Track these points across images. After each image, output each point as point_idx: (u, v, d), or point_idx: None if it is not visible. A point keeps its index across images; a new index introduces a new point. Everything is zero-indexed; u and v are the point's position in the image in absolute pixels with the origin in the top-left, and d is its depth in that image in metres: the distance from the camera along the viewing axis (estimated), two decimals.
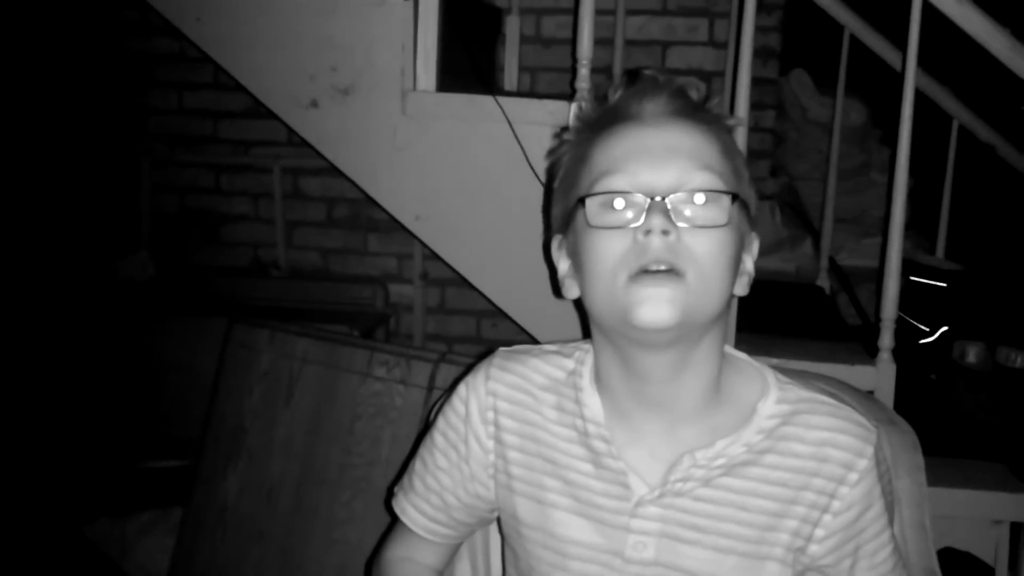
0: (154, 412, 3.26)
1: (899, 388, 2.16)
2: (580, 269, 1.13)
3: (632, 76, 1.18)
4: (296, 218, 3.86)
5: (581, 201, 1.10)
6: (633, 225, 1.06)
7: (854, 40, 3.08)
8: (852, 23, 3.06)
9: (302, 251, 3.87)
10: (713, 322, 1.11)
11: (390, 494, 1.38)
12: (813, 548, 1.12)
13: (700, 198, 1.06)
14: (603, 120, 1.15)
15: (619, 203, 1.07)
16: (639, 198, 1.06)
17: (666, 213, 1.04)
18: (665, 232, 1.04)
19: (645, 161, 1.08)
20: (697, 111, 1.14)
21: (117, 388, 3.37)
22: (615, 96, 1.16)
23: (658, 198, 1.05)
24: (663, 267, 1.04)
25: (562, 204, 1.19)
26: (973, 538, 2.19)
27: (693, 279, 1.05)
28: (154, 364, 3.33)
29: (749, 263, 1.17)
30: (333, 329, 2.42)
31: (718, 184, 1.08)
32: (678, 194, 1.06)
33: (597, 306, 1.11)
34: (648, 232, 1.04)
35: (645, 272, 1.04)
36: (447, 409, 1.29)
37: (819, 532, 1.12)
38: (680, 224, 1.05)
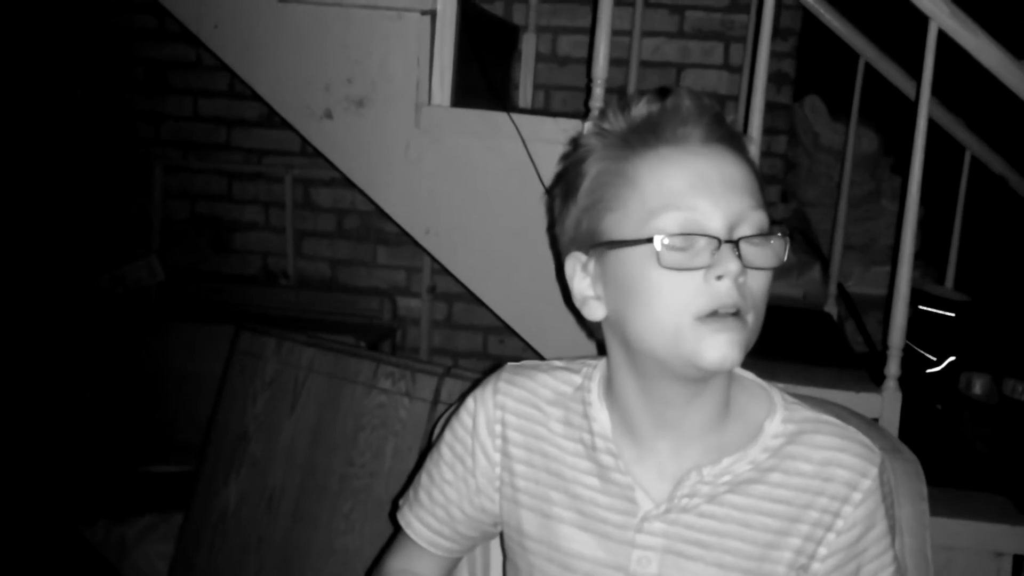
0: (157, 417, 3.27)
1: (904, 417, 2.15)
2: (628, 300, 1.10)
3: (664, 93, 1.13)
4: (306, 228, 3.87)
5: (647, 239, 1.05)
6: (705, 266, 1.04)
7: (868, 68, 3.08)
8: (867, 51, 3.06)
9: (311, 261, 3.88)
10: None
11: (393, 506, 1.38)
12: (816, 567, 1.12)
13: (768, 240, 1.06)
14: (641, 137, 1.10)
15: (685, 243, 1.04)
16: (713, 240, 1.04)
17: (740, 257, 1.03)
18: (731, 276, 1.03)
19: (709, 198, 1.05)
20: (735, 136, 1.13)
21: (121, 392, 3.38)
22: (645, 110, 1.12)
23: (730, 240, 1.04)
24: (732, 311, 1.04)
25: (591, 222, 1.14)
26: (975, 570, 2.18)
27: (751, 319, 1.05)
28: (159, 369, 3.33)
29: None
30: (340, 340, 2.42)
31: (767, 221, 1.08)
32: (748, 236, 1.05)
33: (649, 341, 1.08)
34: (720, 276, 1.03)
35: (715, 315, 1.03)
36: (454, 422, 1.29)
37: (822, 551, 1.11)
38: (746, 266, 1.04)
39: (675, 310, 1.05)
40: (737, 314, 1.04)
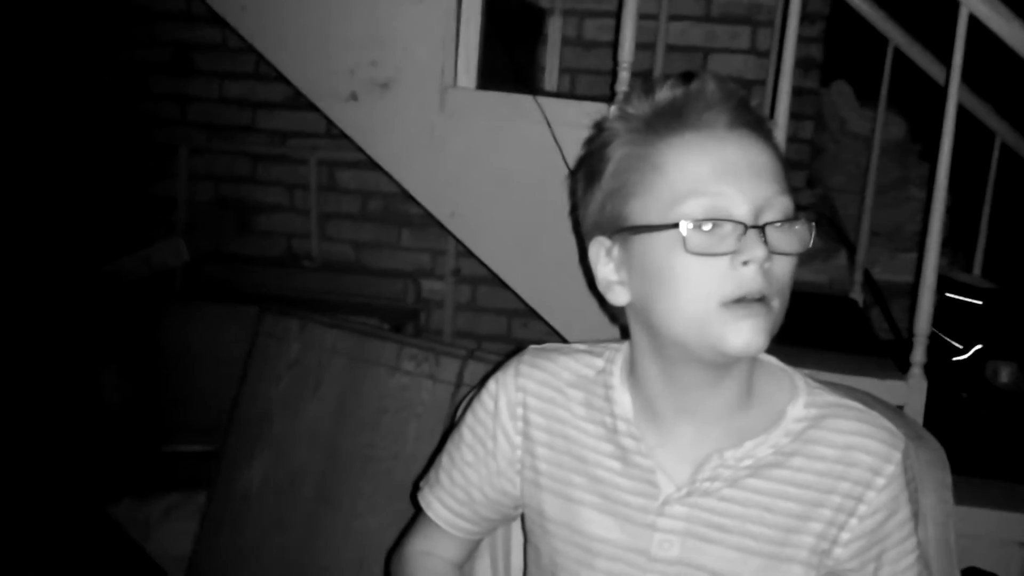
0: (182, 397, 3.28)
1: (929, 405, 2.14)
2: (654, 285, 1.10)
3: (688, 77, 1.12)
4: (330, 210, 3.87)
5: (673, 224, 1.05)
6: (731, 251, 1.04)
7: (897, 53, 3.06)
8: (896, 36, 3.03)
9: (335, 243, 3.89)
10: None
11: (414, 488, 1.38)
12: (838, 551, 1.12)
13: (794, 226, 1.06)
14: (666, 122, 1.10)
15: (711, 227, 1.04)
16: (738, 226, 1.04)
17: (765, 242, 1.03)
18: (757, 261, 1.03)
19: (735, 183, 1.05)
20: (761, 121, 1.12)
21: (146, 372, 3.40)
22: (669, 94, 1.11)
23: (757, 226, 1.04)
24: (758, 296, 1.04)
25: (615, 207, 1.14)
26: (999, 559, 2.17)
27: (776, 305, 1.06)
28: (183, 350, 3.35)
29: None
30: (363, 322, 2.42)
31: (792, 206, 1.08)
32: (777, 224, 1.05)
33: (674, 326, 1.08)
34: (746, 262, 1.03)
35: (742, 301, 1.04)
36: (476, 404, 1.29)
37: (844, 536, 1.12)
38: (771, 252, 1.04)
39: (701, 296, 1.05)
40: (763, 300, 1.04)
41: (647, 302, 1.11)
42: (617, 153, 1.13)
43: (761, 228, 1.03)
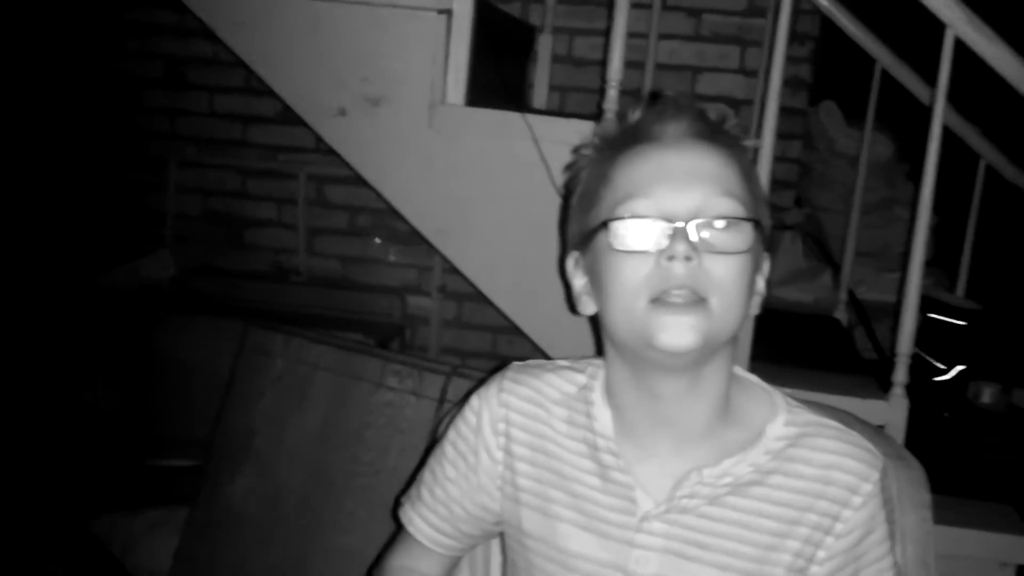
0: (167, 411, 3.28)
1: (911, 425, 2.15)
2: (600, 289, 1.14)
3: (654, 97, 1.20)
4: (319, 225, 3.88)
5: (605, 223, 1.11)
6: (656, 250, 1.07)
7: (885, 74, 3.08)
8: (884, 57, 3.05)
9: (323, 258, 3.89)
10: (727, 342, 1.12)
11: (396, 504, 1.38)
12: (814, 570, 1.13)
13: (721, 224, 1.08)
14: (624, 139, 1.16)
15: (642, 227, 1.08)
16: (662, 223, 1.07)
17: (688, 239, 1.05)
18: (688, 258, 1.05)
19: (668, 185, 1.09)
20: (717, 134, 1.16)
21: (132, 385, 3.39)
22: (635, 116, 1.18)
23: (681, 224, 1.06)
24: (685, 292, 1.05)
25: (580, 222, 1.20)
26: None
27: (714, 304, 1.06)
28: (169, 363, 3.34)
29: (761, 283, 1.18)
30: (348, 337, 2.42)
31: (739, 210, 1.09)
32: (701, 220, 1.07)
33: (617, 326, 1.12)
34: (671, 258, 1.05)
35: (667, 297, 1.06)
36: (459, 420, 1.30)
37: (821, 554, 1.12)
38: (701, 249, 1.06)
39: (630, 292, 1.08)
40: (693, 296, 1.05)
41: (600, 306, 1.15)
42: (584, 173, 1.21)
43: (687, 226, 1.06)
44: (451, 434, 1.30)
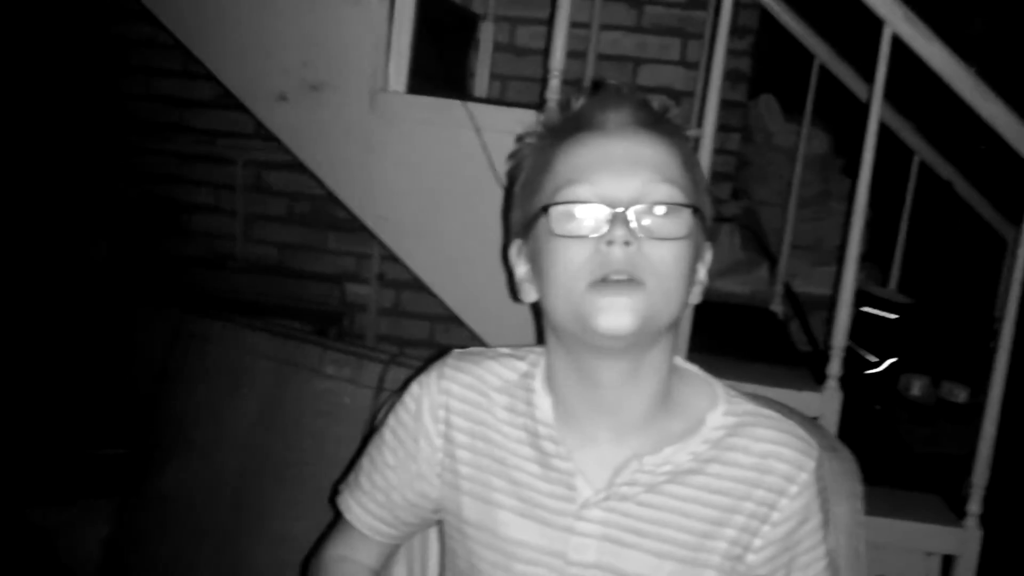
0: (106, 399, 3.23)
1: (844, 416, 2.18)
2: (540, 274, 1.15)
3: (596, 87, 1.20)
4: (257, 212, 3.84)
5: (544, 209, 1.12)
6: (595, 235, 1.08)
7: (823, 69, 3.11)
8: (822, 52, 3.09)
9: (261, 245, 3.85)
10: (667, 330, 1.13)
11: (334, 492, 1.38)
12: (750, 557, 1.14)
13: (661, 210, 1.08)
14: (566, 127, 1.17)
15: (582, 212, 1.09)
16: (601, 208, 1.08)
17: (627, 224, 1.07)
18: (626, 243, 1.06)
19: (608, 171, 1.10)
20: (659, 122, 1.17)
21: (70, 373, 3.34)
22: (578, 104, 1.19)
23: (620, 209, 1.07)
24: (623, 277, 1.06)
25: (523, 209, 1.20)
26: (905, 569, 2.22)
27: (652, 288, 1.07)
28: (107, 349, 3.30)
29: (703, 272, 1.19)
30: (286, 324, 2.40)
31: (678, 196, 1.10)
32: (640, 206, 1.08)
33: (556, 311, 1.13)
34: (610, 242, 1.06)
35: (606, 281, 1.06)
36: (399, 407, 1.29)
37: (757, 542, 1.14)
38: (640, 235, 1.07)
39: (570, 276, 1.09)
40: (631, 281, 1.06)
41: (541, 293, 1.16)
42: (527, 161, 1.22)
43: (624, 211, 1.07)
44: (391, 421, 1.30)
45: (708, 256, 1.20)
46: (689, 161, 1.17)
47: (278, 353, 2.15)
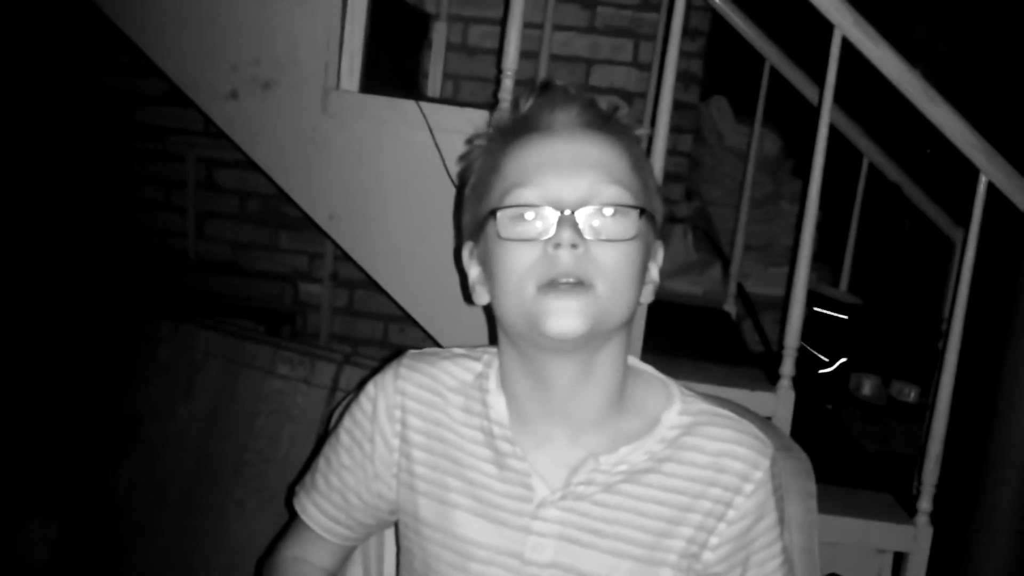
0: (55, 398, 3.18)
1: (796, 416, 2.20)
2: (490, 277, 1.15)
3: (544, 87, 1.20)
4: (208, 209, 3.80)
5: (492, 212, 1.12)
6: (543, 238, 1.08)
7: (774, 72, 3.14)
8: (773, 55, 3.12)
9: (213, 243, 3.82)
10: (619, 330, 1.13)
11: (289, 493, 1.37)
12: (707, 555, 1.15)
13: (609, 212, 1.09)
14: (515, 129, 1.17)
15: (529, 215, 1.09)
16: (548, 211, 1.08)
17: (575, 227, 1.07)
18: (574, 245, 1.06)
19: (555, 173, 1.10)
20: (607, 123, 1.17)
21: (19, 369, 3.29)
22: (526, 105, 1.18)
23: (567, 212, 1.07)
24: (571, 279, 1.06)
25: (473, 212, 1.20)
26: (857, 566, 2.24)
27: (602, 290, 1.07)
28: (53, 347, 3.25)
29: (654, 272, 1.20)
30: (238, 324, 2.38)
31: (627, 198, 1.10)
32: (587, 208, 1.08)
33: (507, 314, 1.13)
34: (557, 245, 1.06)
35: (554, 284, 1.06)
36: (354, 407, 1.29)
37: (713, 540, 1.14)
38: (589, 237, 1.07)
39: (519, 279, 1.09)
40: (580, 283, 1.06)
41: (491, 296, 1.16)
42: (477, 163, 1.21)
43: (572, 213, 1.07)
44: (346, 421, 1.29)
45: (660, 255, 1.21)
46: (639, 162, 1.18)
47: (230, 353, 2.13)
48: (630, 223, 1.10)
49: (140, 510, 2.15)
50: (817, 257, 3.26)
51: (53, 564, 2.27)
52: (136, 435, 2.18)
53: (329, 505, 1.30)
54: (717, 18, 3.32)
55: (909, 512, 2.27)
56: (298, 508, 1.33)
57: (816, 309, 3.12)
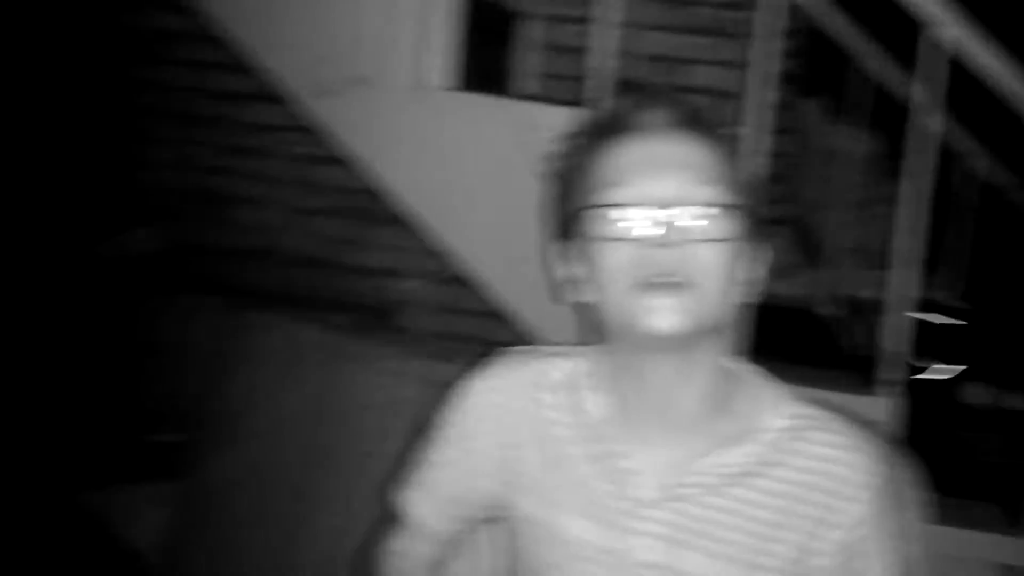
0: (158, 386, 3.25)
1: (901, 423, 2.15)
2: (586, 276, 1.15)
3: (637, 88, 1.19)
4: (305, 205, 3.83)
5: (587, 212, 1.12)
6: (638, 237, 1.08)
7: (871, 71, 3.07)
8: (870, 54, 3.05)
9: (308, 239, 3.84)
10: (716, 329, 1.13)
11: (388, 486, 1.40)
12: (813, 562, 1.13)
13: (703, 211, 1.08)
14: (606, 129, 1.18)
15: (623, 215, 1.09)
16: (644, 211, 1.08)
17: (671, 226, 1.07)
18: (670, 245, 1.06)
19: (649, 173, 1.10)
20: (699, 123, 1.17)
21: (122, 361, 3.37)
22: (618, 106, 1.21)
23: (663, 211, 1.07)
24: (667, 278, 1.06)
25: (565, 211, 1.21)
26: None
27: (696, 289, 1.07)
28: (159, 339, 3.32)
29: (751, 272, 1.18)
30: (338, 319, 2.42)
31: (720, 197, 1.10)
32: (682, 208, 1.08)
33: (603, 313, 1.13)
34: (653, 245, 1.07)
35: (651, 282, 1.06)
36: (452, 404, 1.30)
37: (820, 547, 1.13)
38: (683, 236, 1.07)
39: (614, 279, 1.09)
40: (676, 282, 1.06)
41: (587, 294, 1.16)
42: (568, 163, 1.23)
43: (668, 213, 1.07)
44: (444, 418, 1.31)
45: (759, 255, 1.20)
46: (731, 162, 1.18)
47: (332, 347, 2.19)
48: (724, 223, 1.09)
49: (246, 498, 2.21)
50: (922, 261, 3.19)
51: (163, 548, 2.33)
52: (242, 425, 2.24)
53: (429, 500, 1.32)
54: (812, 17, 3.26)
55: (1019, 524, 2.20)
56: (398, 502, 1.36)
57: (922, 314, 3.05)
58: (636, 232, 1.08)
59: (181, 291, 3.46)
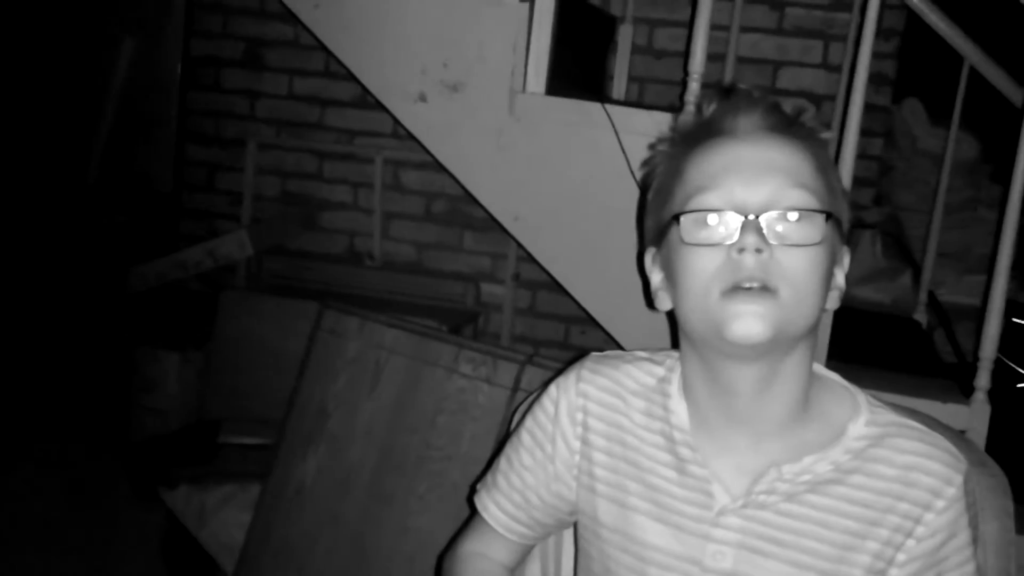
0: (239, 388, 3.32)
1: (992, 431, 2.11)
2: (673, 282, 1.14)
3: (729, 91, 1.20)
4: (394, 210, 3.89)
5: (676, 217, 1.11)
6: (727, 243, 1.07)
7: (972, 72, 3.01)
8: (972, 54, 2.99)
9: (398, 243, 3.90)
10: (803, 337, 1.11)
11: (470, 490, 1.40)
12: (894, 572, 1.11)
13: (793, 216, 1.07)
14: (697, 134, 1.17)
15: (713, 220, 1.08)
16: (732, 216, 1.07)
17: (759, 231, 1.06)
18: (758, 250, 1.05)
19: (739, 178, 1.09)
20: (792, 127, 1.15)
21: (206, 361, 3.45)
22: (709, 110, 1.18)
23: (751, 216, 1.06)
24: (756, 284, 1.05)
25: (656, 217, 1.20)
26: None
27: (786, 295, 1.06)
28: (244, 342, 3.38)
29: (840, 277, 1.17)
30: (422, 323, 2.43)
31: (812, 202, 1.09)
32: (771, 213, 1.07)
33: (690, 319, 1.12)
34: (741, 250, 1.05)
35: (738, 289, 1.05)
36: (536, 408, 1.30)
37: (901, 556, 1.11)
38: (773, 242, 1.06)
39: (703, 284, 1.08)
40: (765, 288, 1.05)
41: (674, 301, 1.16)
42: (660, 167, 1.22)
43: (756, 218, 1.06)
44: (528, 422, 1.31)
45: (846, 261, 1.18)
46: (824, 166, 1.16)
47: (414, 351, 2.18)
48: (815, 228, 1.08)
49: (327, 499, 2.22)
50: (1017, 266, 3.12)
51: (247, 547, 2.36)
52: (324, 427, 2.25)
53: (509, 504, 1.32)
54: (911, 17, 3.21)
55: None
56: (479, 506, 1.35)
57: (1016, 320, 2.98)
58: (724, 237, 1.07)
59: (270, 294, 3.53)
